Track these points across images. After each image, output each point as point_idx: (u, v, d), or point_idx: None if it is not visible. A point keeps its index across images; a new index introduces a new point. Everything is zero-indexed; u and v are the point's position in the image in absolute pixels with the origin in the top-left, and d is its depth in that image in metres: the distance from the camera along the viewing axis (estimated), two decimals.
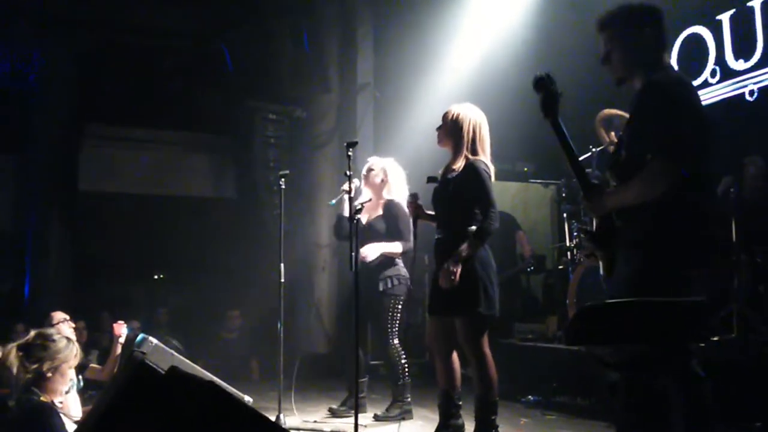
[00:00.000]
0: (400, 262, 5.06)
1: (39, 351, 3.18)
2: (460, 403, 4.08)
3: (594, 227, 2.90)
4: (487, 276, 3.84)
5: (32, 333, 3.30)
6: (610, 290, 2.70)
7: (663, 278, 2.52)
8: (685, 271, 2.56)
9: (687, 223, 2.55)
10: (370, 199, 4.97)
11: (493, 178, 3.93)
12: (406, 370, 4.98)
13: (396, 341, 4.98)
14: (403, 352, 4.99)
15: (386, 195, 5.09)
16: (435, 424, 4.25)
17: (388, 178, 5.09)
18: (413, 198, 4.08)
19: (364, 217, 4.92)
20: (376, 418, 5.04)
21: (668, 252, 2.54)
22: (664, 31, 2.81)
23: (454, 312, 3.87)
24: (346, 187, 5.10)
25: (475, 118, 3.95)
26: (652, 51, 2.77)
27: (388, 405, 4.97)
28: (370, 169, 5.08)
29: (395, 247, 4.97)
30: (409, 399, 4.97)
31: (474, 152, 3.91)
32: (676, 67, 6.53)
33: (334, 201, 5.16)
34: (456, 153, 3.94)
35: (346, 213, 5.14)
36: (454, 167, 3.93)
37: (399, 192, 5.08)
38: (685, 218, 2.56)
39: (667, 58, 2.85)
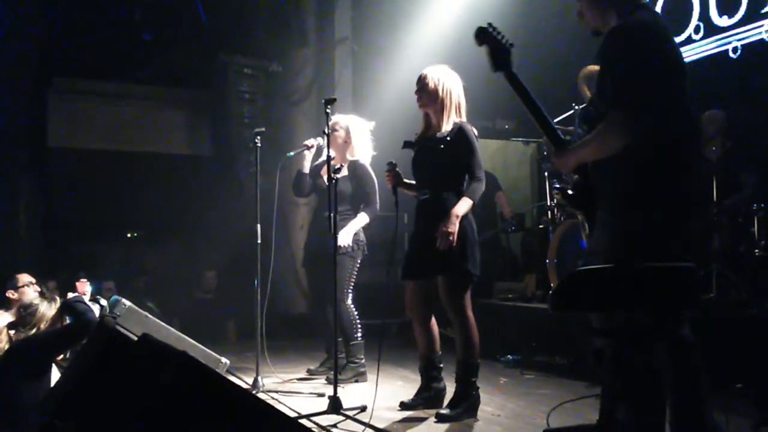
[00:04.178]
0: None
1: (30, 318, 3.47)
2: (441, 365, 4.09)
3: (572, 186, 2.77)
4: (474, 237, 3.88)
5: (11, 310, 3.64)
6: (586, 253, 2.62)
7: (640, 240, 2.42)
8: (664, 231, 2.46)
9: (661, 180, 2.43)
10: (333, 158, 4.78)
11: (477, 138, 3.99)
12: (359, 330, 4.92)
13: (349, 301, 4.91)
14: (356, 313, 4.92)
15: (349, 156, 4.95)
16: (414, 385, 4.25)
17: (351, 138, 4.94)
18: (392, 166, 3.99)
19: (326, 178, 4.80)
20: (309, 372, 5.05)
21: (644, 212, 2.43)
22: None
23: (441, 271, 3.83)
24: (308, 142, 5.00)
25: (457, 82, 3.98)
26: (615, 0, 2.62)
27: (342, 367, 4.78)
28: (333, 129, 4.82)
29: (363, 219, 4.86)
30: (362, 360, 4.92)
31: (459, 116, 3.95)
32: None
33: (292, 153, 5.03)
34: (441, 117, 3.93)
35: (306, 169, 5.05)
36: (440, 130, 3.92)
37: (362, 152, 4.96)
38: (660, 175, 2.43)
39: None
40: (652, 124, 2.41)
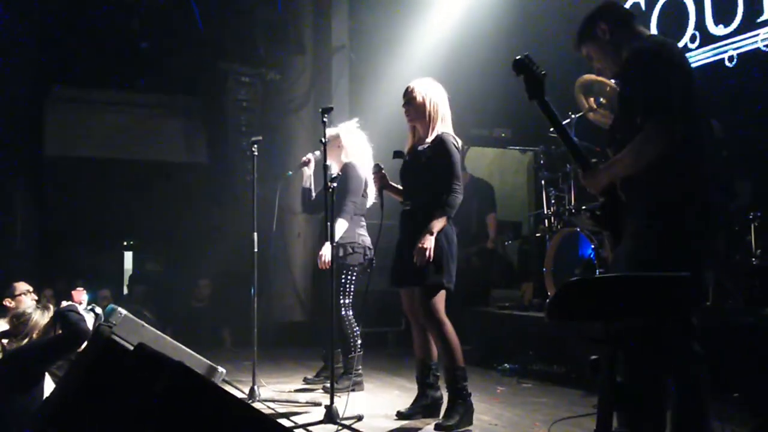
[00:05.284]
0: (358, 228, 4.90)
1: (23, 328, 3.44)
2: (438, 374, 4.07)
3: (599, 206, 2.87)
4: (449, 250, 3.87)
5: (5, 319, 3.59)
6: (613, 263, 2.70)
7: (667, 247, 2.51)
8: (692, 240, 2.55)
9: (689, 189, 2.55)
10: (338, 174, 4.77)
11: (460, 148, 4.01)
12: (358, 342, 4.87)
13: (350, 313, 4.88)
14: (355, 324, 4.88)
15: (344, 159, 4.96)
16: (411, 394, 4.24)
17: (343, 142, 4.95)
18: (377, 169, 4.03)
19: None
20: (306, 381, 5.04)
21: (672, 220, 2.53)
22: (619, 14, 2.86)
23: (416, 281, 3.87)
24: (305, 159, 5.02)
25: (443, 94, 4.01)
26: (623, 37, 2.78)
27: (338, 377, 4.74)
28: (327, 141, 4.71)
29: (340, 227, 4.73)
30: (360, 371, 4.89)
31: (444, 126, 3.98)
32: (654, 32, 6.55)
33: (291, 172, 5.04)
34: (428, 130, 3.96)
35: (309, 184, 5.06)
36: (424, 142, 3.95)
37: (357, 154, 4.96)
38: (686, 185, 2.55)
39: (643, 29, 2.86)
40: (683, 134, 2.54)
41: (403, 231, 4.01)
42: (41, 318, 3.50)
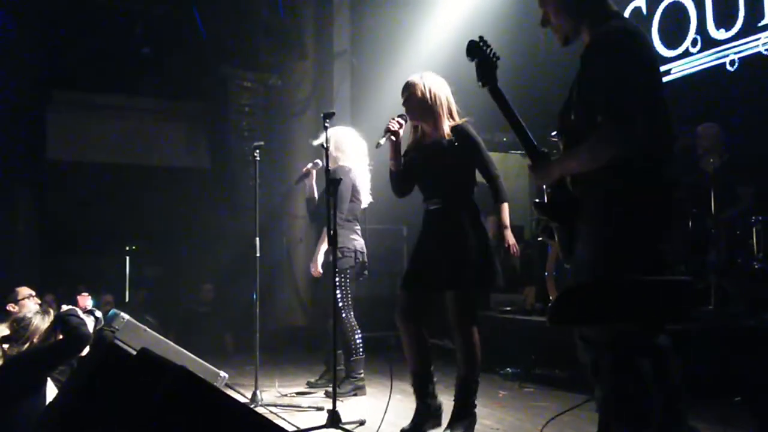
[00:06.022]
0: (348, 233, 4.87)
1: (24, 333, 3.42)
2: (436, 380, 3.87)
3: (546, 198, 2.69)
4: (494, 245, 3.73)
5: (5, 324, 3.56)
6: (573, 268, 2.54)
7: (630, 254, 2.36)
8: (654, 244, 2.42)
9: (648, 190, 2.38)
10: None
11: None
12: (360, 346, 4.89)
13: (351, 316, 4.88)
14: (357, 327, 4.89)
15: (332, 164, 4.97)
16: (412, 398, 4.19)
17: (334, 146, 4.91)
18: (403, 121, 3.75)
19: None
20: (309, 384, 5.06)
21: (633, 224, 2.36)
22: None
23: (457, 285, 3.61)
24: (305, 169, 5.07)
25: (444, 86, 3.81)
26: (590, 8, 2.53)
27: (340, 381, 4.74)
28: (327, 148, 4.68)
29: (324, 238, 4.76)
30: (362, 375, 4.91)
31: (452, 118, 3.77)
32: (656, 37, 6.57)
33: (294, 182, 5.10)
34: (434, 124, 3.74)
35: (313, 193, 5.11)
36: (436, 136, 3.74)
37: (349, 157, 4.99)
38: (647, 186, 2.38)
39: (612, 5, 2.59)
40: (642, 135, 2.36)
41: (431, 232, 3.73)
42: (42, 322, 3.47)
